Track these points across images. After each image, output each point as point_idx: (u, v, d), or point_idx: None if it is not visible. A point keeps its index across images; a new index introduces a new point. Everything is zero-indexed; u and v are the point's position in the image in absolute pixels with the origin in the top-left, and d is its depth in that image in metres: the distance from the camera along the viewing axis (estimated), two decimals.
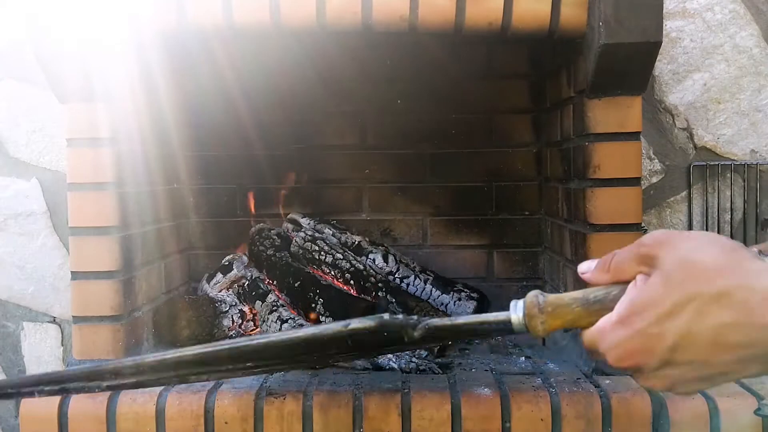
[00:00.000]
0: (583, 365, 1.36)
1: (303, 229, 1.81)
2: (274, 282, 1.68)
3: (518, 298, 0.59)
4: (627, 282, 0.53)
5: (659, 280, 0.50)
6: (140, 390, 1.26)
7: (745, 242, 1.83)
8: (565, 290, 1.56)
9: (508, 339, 1.61)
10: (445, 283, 1.73)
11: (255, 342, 0.69)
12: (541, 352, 1.49)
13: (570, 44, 1.36)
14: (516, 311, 0.58)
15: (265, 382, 1.30)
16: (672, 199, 1.80)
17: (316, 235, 1.77)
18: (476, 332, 0.64)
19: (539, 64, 1.80)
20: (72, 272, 1.38)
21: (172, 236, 1.74)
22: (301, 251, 1.74)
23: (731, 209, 1.80)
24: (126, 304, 1.39)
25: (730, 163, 1.77)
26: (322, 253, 1.70)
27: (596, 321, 0.54)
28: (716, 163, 1.78)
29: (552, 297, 0.57)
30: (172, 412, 1.23)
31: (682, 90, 1.78)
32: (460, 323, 0.62)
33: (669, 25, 1.74)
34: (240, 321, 1.66)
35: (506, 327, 0.58)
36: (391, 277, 1.72)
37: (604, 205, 1.33)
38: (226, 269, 1.75)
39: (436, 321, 0.62)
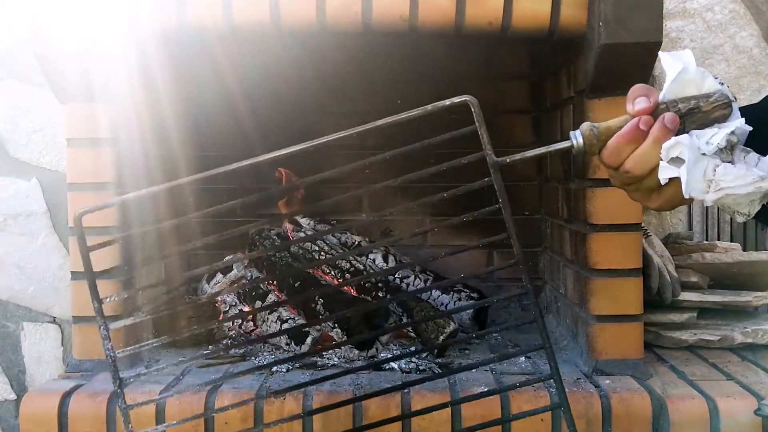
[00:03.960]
0: (583, 365, 1.37)
1: (303, 230, 1.81)
2: (274, 282, 1.68)
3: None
4: None
5: None
6: (140, 390, 1.26)
7: (745, 243, 1.83)
8: (565, 290, 1.56)
9: (508, 339, 1.61)
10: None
11: None
12: (540, 352, 1.49)
13: (570, 44, 1.36)
14: (576, 139, 0.76)
15: (265, 382, 1.30)
16: None
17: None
18: (546, 154, 0.81)
19: (539, 64, 1.80)
20: (72, 272, 1.38)
21: (172, 236, 1.74)
22: (301, 251, 1.74)
23: None
24: (126, 304, 1.39)
25: None
26: (322, 253, 1.70)
27: None
28: None
29: (603, 127, 0.75)
30: (172, 412, 1.23)
31: None
32: (529, 154, 0.80)
33: (669, 25, 1.74)
34: (240, 321, 1.66)
35: (569, 150, 0.77)
36: (391, 277, 1.72)
37: (604, 205, 1.33)
38: (226, 269, 1.75)
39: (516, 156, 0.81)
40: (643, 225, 1.39)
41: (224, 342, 1.59)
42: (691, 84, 0.72)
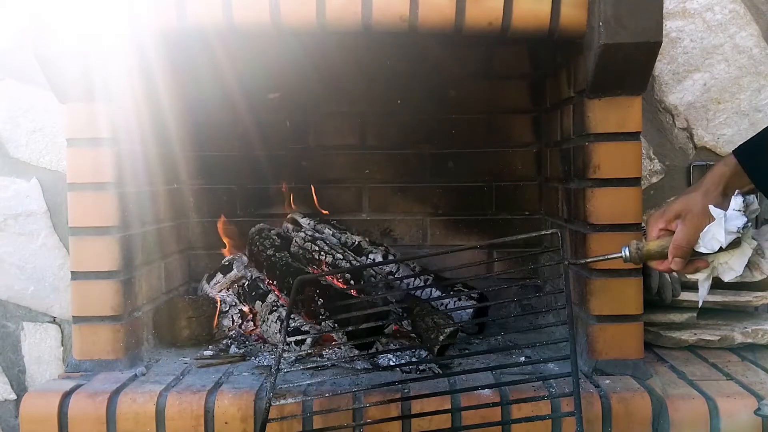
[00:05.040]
0: (583, 365, 1.36)
1: (303, 229, 1.81)
2: (274, 282, 1.68)
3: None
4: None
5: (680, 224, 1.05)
6: (140, 390, 1.26)
7: None
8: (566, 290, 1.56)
9: (509, 340, 1.61)
10: (445, 284, 1.73)
11: None
12: (541, 351, 1.49)
13: (570, 44, 1.36)
14: (625, 253, 1.08)
15: (265, 383, 1.30)
16: (672, 199, 1.79)
17: (316, 235, 1.77)
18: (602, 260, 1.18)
19: (539, 64, 1.80)
20: (72, 272, 1.38)
21: (172, 236, 1.74)
22: (301, 251, 1.74)
23: None
24: (126, 304, 1.39)
25: None
26: (322, 253, 1.70)
27: (664, 256, 1.06)
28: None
29: (644, 249, 1.07)
30: (172, 412, 1.23)
31: (682, 90, 1.78)
32: (590, 260, 1.23)
33: (669, 25, 1.74)
34: (240, 321, 1.66)
35: (619, 259, 1.09)
36: (391, 278, 1.72)
37: (604, 205, 1.33)
38: (226, 269, 1.75)
39: (579, 260, 1.27)
40: (643, 225, 1.39)
41: (224, 342, 1.59)
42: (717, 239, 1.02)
